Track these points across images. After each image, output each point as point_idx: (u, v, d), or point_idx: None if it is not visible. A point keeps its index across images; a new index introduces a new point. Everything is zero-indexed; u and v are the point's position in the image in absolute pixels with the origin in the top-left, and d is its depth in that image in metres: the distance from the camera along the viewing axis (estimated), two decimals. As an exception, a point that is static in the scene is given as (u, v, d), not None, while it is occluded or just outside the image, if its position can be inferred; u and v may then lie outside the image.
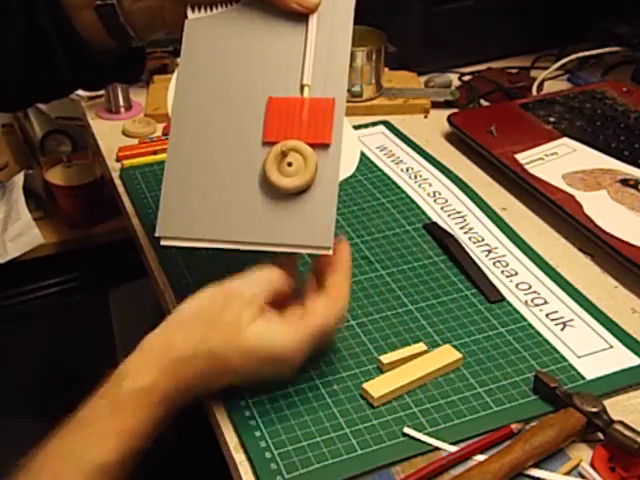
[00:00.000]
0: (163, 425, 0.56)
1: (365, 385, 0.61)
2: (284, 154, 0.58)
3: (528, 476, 0.55)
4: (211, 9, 0.62)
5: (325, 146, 0.58)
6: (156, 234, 0.60)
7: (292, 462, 0.55)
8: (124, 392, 0.54)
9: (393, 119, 1.04)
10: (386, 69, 1.10)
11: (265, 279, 0.59)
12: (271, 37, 0.60)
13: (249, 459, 0.56)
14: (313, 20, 0.60)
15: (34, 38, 0.66)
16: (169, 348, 0.56)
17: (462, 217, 0.83)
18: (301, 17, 0.60)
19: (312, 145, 0.58)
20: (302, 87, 0.60)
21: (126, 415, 0.53)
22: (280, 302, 0.59)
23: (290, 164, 0.57)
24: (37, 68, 0.68)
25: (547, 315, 0.70)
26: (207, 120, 0.60)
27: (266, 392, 0.61)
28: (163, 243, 0.60)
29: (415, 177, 0.91)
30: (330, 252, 0.58)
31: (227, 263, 0.61)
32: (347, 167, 0.63)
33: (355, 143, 0.63)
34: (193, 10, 0.62)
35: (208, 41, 0.61)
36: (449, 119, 0.99)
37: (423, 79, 1.13)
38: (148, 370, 0.55)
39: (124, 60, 0.71)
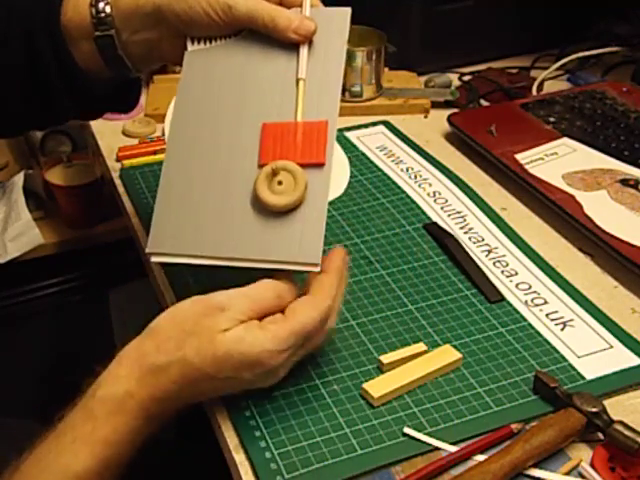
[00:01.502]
0: (148, 433, 0.55)
1: (365, 385, 0.61)
2: (275, 173, 0.58)
3: (528, 476, 0.55)
4: (210, 42, 0.64)
5: (319, 166, 0.59)
6: (147, 250, 0.60)
7: (292, 462, 0.55)
8: (97, 400, 0.54)
9: (393, 119, 1.04)
10: (386, 69, 1.10)
11: (250, 296, 0.57)
12: (266, 66, 0.62)
13: (249, 459, 0.56)
14: (306, 48, 0.62)
15: (32, 65, 0.67)
16: (143, 356, 0.55)
17: (462, 217, 0.83)
18: (296, 46, 0.62)
19: (306, 165, 0.59)
20: (296, 106, 0.61)
21: (99, 423, 0.53)
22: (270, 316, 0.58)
23: (280, 183, 0.58)
24: (34, 95, 0.69)
25: (547, 315, 0.70)
26: (202, 143, 0.62)
27: (265, 396, 0.61)
28: (153, 259, 0.61)
29: (415, 177, 0.91)
30: (317, 269, 0.58)
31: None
32: (337, 188, 0.64)
33: (345, 165, 0.64)
34: (192, 43, 0.65)
35: (205, 71, 0.64)
36: (449, 119, 0.99)
37: (423, 79, 1.13)
38: (121, 379, 0.54)
39: (120, 90, 0.72)
